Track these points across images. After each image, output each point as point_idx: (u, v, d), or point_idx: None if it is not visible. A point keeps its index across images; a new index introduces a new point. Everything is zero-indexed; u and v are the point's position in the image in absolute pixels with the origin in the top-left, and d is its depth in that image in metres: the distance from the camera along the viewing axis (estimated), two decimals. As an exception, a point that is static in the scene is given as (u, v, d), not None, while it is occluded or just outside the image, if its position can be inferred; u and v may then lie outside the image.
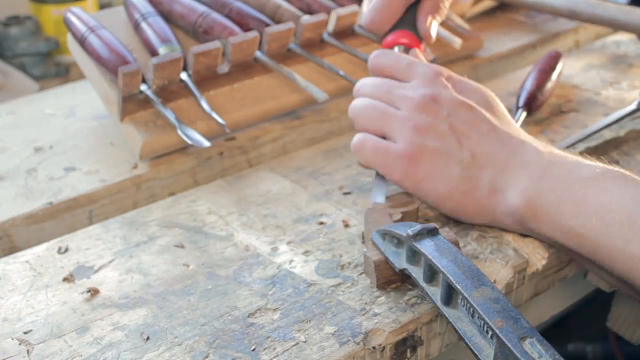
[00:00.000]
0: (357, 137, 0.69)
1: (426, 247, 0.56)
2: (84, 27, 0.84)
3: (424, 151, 0.65)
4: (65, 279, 0.63)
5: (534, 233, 0.64)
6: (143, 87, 0.78)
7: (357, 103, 0.71)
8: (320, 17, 0.88)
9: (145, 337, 0.56)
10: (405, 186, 0.67)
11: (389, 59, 0.72)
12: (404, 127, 0.66)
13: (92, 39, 0.82)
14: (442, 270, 0.53)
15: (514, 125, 0.68)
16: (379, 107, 0.68)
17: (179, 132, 0.76)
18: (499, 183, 0.64)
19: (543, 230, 0.61)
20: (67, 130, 0.87)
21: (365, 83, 0.72)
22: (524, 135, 0.66)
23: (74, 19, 0.86)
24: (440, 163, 0.65)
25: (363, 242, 0.67)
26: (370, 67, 0.73)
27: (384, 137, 0.68)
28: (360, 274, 0.63)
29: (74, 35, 0.85)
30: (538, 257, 0.65)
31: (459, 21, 1.01)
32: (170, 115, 0.77)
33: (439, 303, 0.55)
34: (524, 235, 0.66)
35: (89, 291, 0.62)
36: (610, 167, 0.60)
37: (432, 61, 0.91)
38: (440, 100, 0.66)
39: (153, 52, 0.82)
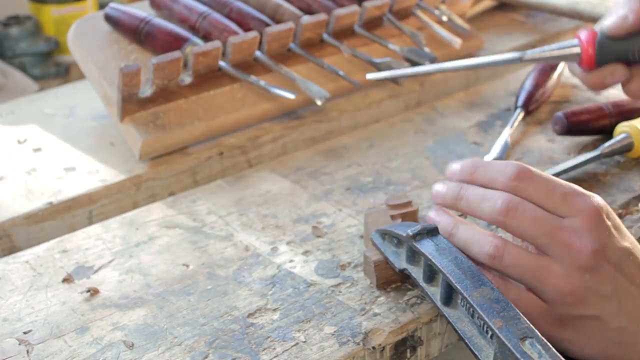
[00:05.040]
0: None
1: (426, 247, 0.56)
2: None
3: (576, 323, 0.55)
4: (65, 279, 0.63)
5: None
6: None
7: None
8: (320, 17, 0.88)
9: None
10: (550, 336, 0.54)
11: (538, 184, 0.56)
12: (558, 293, 0.54)
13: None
14: (442, 270, 0.53)
15: None
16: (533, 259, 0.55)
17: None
18: None
19: None
20: (67, 130, 0.87)
21: (517, 207, 0.55)
22: None
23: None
24: (592, 331, 0.54)
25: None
26: (508, 181, 0.57)
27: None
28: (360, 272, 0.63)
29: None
30: (538, 257, 0.65)
31: (459, 21, 1.01)
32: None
33: (438, 303, 0.55)
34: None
35: (88, 291, 0.62)
36: None
37: (432, 61, 0.91)
38: (608, 256, 0.53)
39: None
